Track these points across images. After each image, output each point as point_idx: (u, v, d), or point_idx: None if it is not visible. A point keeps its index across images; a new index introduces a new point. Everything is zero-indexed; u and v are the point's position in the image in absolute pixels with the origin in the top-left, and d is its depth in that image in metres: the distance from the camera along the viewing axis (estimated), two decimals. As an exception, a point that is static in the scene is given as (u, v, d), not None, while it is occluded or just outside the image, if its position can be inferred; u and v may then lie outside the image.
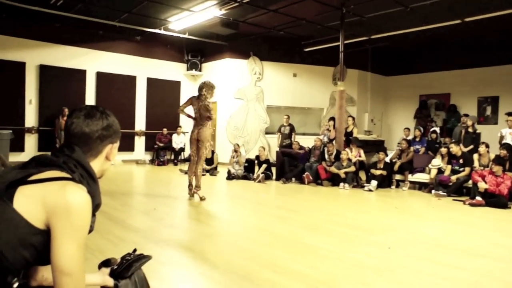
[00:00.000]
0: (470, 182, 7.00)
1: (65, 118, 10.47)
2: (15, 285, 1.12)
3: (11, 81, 10.13)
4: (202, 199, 5.99)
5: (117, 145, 1.38)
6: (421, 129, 9.83)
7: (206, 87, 6.16)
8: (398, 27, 9.67)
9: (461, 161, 7.52)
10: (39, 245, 1.12)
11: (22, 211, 1.09)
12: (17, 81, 10.23)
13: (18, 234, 1.08)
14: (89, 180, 1.23)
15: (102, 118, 1.32)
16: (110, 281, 1.46)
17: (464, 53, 11.85)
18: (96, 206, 1.25)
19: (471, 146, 8.48)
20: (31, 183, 1.12)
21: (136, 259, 1.50)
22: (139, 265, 1.49)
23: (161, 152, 12.17)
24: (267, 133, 12.42)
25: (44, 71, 10.61)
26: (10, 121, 9.95)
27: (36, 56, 10.53)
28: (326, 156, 8.71)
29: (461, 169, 7.45)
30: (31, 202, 1.10)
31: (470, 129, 8.78)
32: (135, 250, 1.56)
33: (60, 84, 10.86)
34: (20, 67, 10.26)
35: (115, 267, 1.47)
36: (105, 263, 1.49)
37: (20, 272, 1.13)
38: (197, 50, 13.03)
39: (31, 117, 10.54)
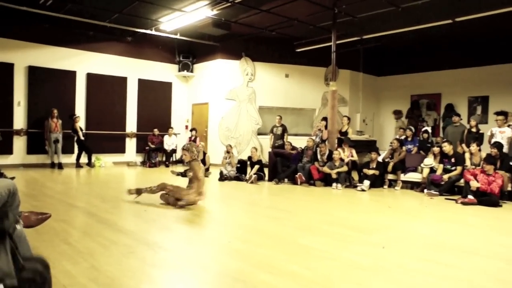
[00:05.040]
0: (462, 181, 7.05)
1: (54, 119, 10.33)
2: None
3: (-1, 83, 9.97)
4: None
5: None
6: (413, 129, 9.86)
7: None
8: (389, 27, 9.69)
9: (453, 160, 7.56)
10: None
11: None
12: (5, 82, 10.06)
13: None
14: None
15: None
16: None
17: (455, 53, 11.94)
18: None
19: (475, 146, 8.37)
20: None
21: None
22: None
23: (153, 153, 12.08)
24: (259, 134, 12.39)
25: (33, 72, 10.45)
26: (-2, 123, 9.80)
27: (25, 57, 10.36)
28: (319, 157, 8.70)
29: (453, 168, 7.48)
30: None
31: (473, 129, 8.71)
32: None
33: (50, 85, 10.72)
34: (8, 68, 10.09)
35: None
36: None
37: None
38: (188, 51, 12.96)
39: (19, 119, 10.37)
